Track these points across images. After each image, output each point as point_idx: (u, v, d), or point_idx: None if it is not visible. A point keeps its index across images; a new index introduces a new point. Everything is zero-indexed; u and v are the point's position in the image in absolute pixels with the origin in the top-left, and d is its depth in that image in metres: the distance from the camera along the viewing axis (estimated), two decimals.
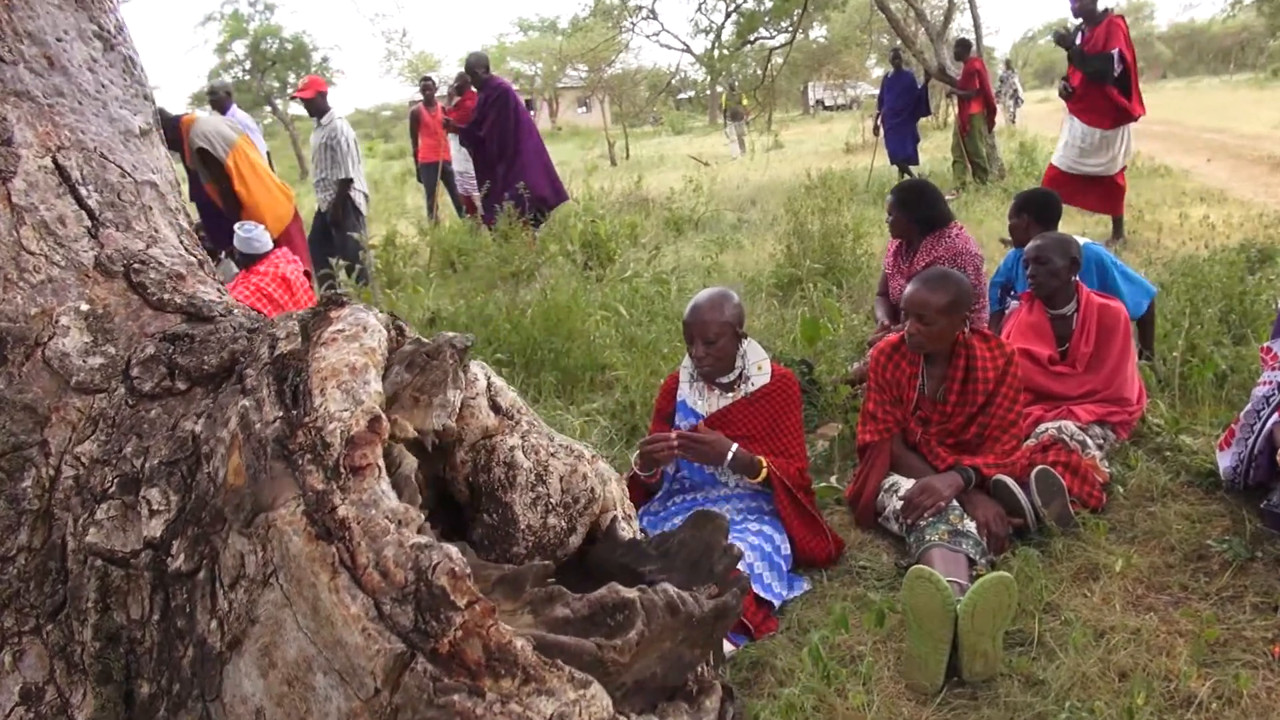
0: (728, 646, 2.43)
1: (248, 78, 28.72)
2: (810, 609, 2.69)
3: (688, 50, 22.26)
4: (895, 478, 3.09)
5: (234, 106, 7.64)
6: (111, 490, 1.21)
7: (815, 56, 27.65)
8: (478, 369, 1.32)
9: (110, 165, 1.48)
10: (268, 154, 7.25)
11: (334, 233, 7.29)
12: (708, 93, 27.31)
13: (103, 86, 1.54)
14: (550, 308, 5.11)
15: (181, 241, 1.52)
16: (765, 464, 2.86)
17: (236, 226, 5.58)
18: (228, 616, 1.06)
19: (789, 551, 2.84)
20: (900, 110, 11.54)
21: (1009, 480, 2.91)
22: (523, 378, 4.71)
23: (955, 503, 2.82)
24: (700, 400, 3.06)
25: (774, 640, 2.52)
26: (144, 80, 1.69)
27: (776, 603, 2.65)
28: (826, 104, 41.03)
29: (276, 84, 29.47)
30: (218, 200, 6.06)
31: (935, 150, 14.32)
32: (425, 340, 1.23)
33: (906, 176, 11.83)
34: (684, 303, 3.05)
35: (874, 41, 27.05)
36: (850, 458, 3.57)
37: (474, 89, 8.34)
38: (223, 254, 6.14)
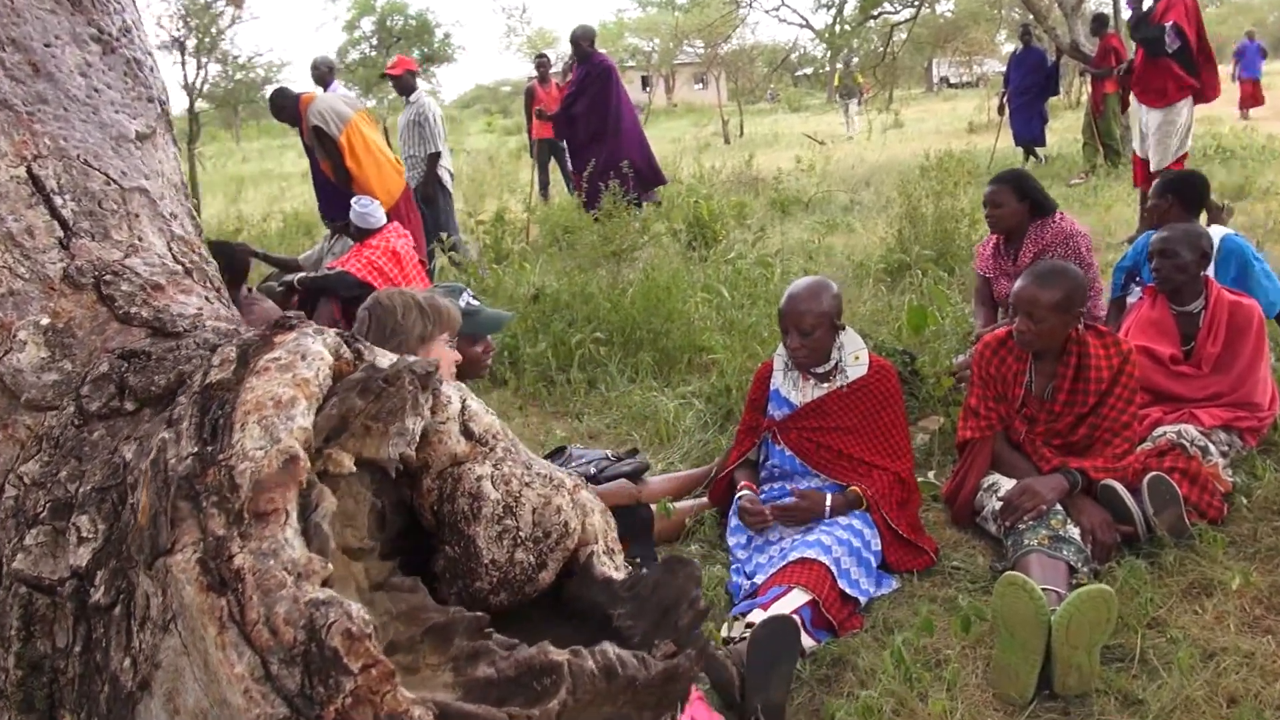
0: (809, 642, 2.39)
1: (374, 54, 29.55)
2: (897, 608, 2.62)
3: (807, 25, 21.84)
4: (996, 477, 2.97)
5: (336, 83, 7.88)
6: (43, 515, 1.16)
7: (941, 32, 26.67)
8: (453, 392, 1.25)
9: (94, 173, 1.45)
10: (385, 130, 7.43)
11: (425, 209, 7.46)
12: (826, 69, 26.75)
13: (95, 91, 1.51)
14: (651, 287, 5.10)
15: (171, 248, 1.47)
16: (862, 493, 2.81)
17: (353, 200, 5.76)
18: (139, 656, 1.02)
19: (880, 547, 2.77)
20: (1027, 89, 11.04)
21: (1118, 486, 2.76)
22: (620, 357, 4.72)
23: (1059, 507, 2.69)
24: (794, 390, 3.00)
25: (857, 638, 2.46)
26: (152, 82, 1.65)
27: (862, 600, 2.59)
28: (951, 81, 39.60)
29: None
30: (331, 176, 6.26)
31: (1065, 131, 13.66)
32: (381, 366, 1.15)
33: (1032, 159, 11.33)
34: (787, 286, 2.99)
35: (1004, 16, 25.92)
36: (950, 453, 3.45)
37: (577, 63, 8.25)
38: (333, 231, 6.36)
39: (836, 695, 2.26)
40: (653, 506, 3.06)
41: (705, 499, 3.19)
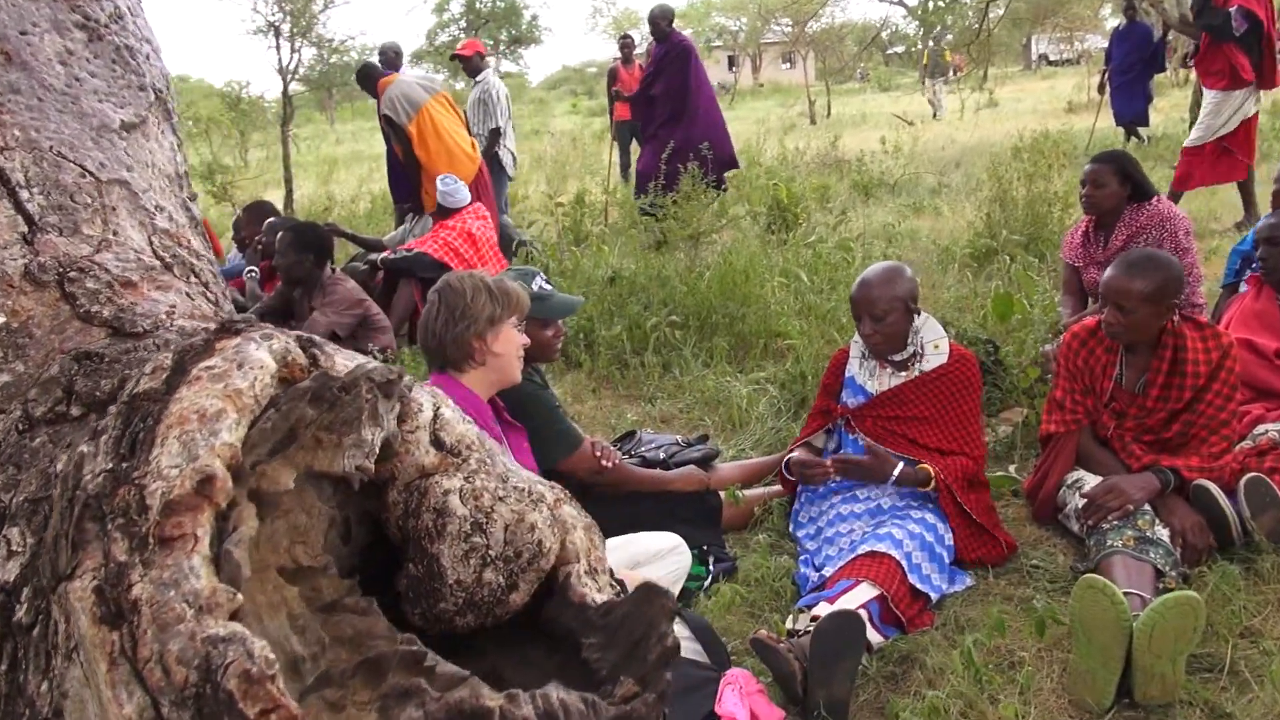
0: (876, 638, 2.34)
1: (463, 35, 29.90)
2: (970, 606, 2.53)
3: (900, 2, 21.26)
4: (1080, 473, 2.85)
5: (405, 68, 7.99)
6: None
7: (1041, 6, 25.65)
8: (426, 398, 1.18)
9: (68, 165, 1.37)
10: (465, 115, 7.50)
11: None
12: (919, 47, 26.02)
13: (76, 80, 1.45)
14: (728, 271, 5.04)
15: (153, 242, 1.39)
16: (935, 474, 2.71)
17: (439, 179, 5.84)
18: (53, 683, 0.96)
19: (952, 542, 2.69)
20: (1131, 66, 10.53)
21: (1212, 486, 2.62)
22: (695, 341, 4.69)
23: (1148, 507, 2.57)
24: (870, 378, 2.92)
25: (926, 636, 2.39)
26: (146, 70, 1.59)
27: (934, 596, 2.51)
28: (1051, 58, 38.17)
29: (489, 42, 30.51)
30: (401, 159, 6.36)
31: (1171, 110, 13.03)
32: (336, 374, 1.07)
33: (1134, 139, 10.83)
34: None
35: None
36: (1033, 446, 3.33)
37: (655, 43, 8.13)
38: (401, 213, 6.47)
39: (902, 694, 2.20)
40: (721, 494, 3.03)
41: (775, 487, 3.14)
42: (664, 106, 7.57)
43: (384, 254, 5.75)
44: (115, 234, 1.36)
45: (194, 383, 1.00)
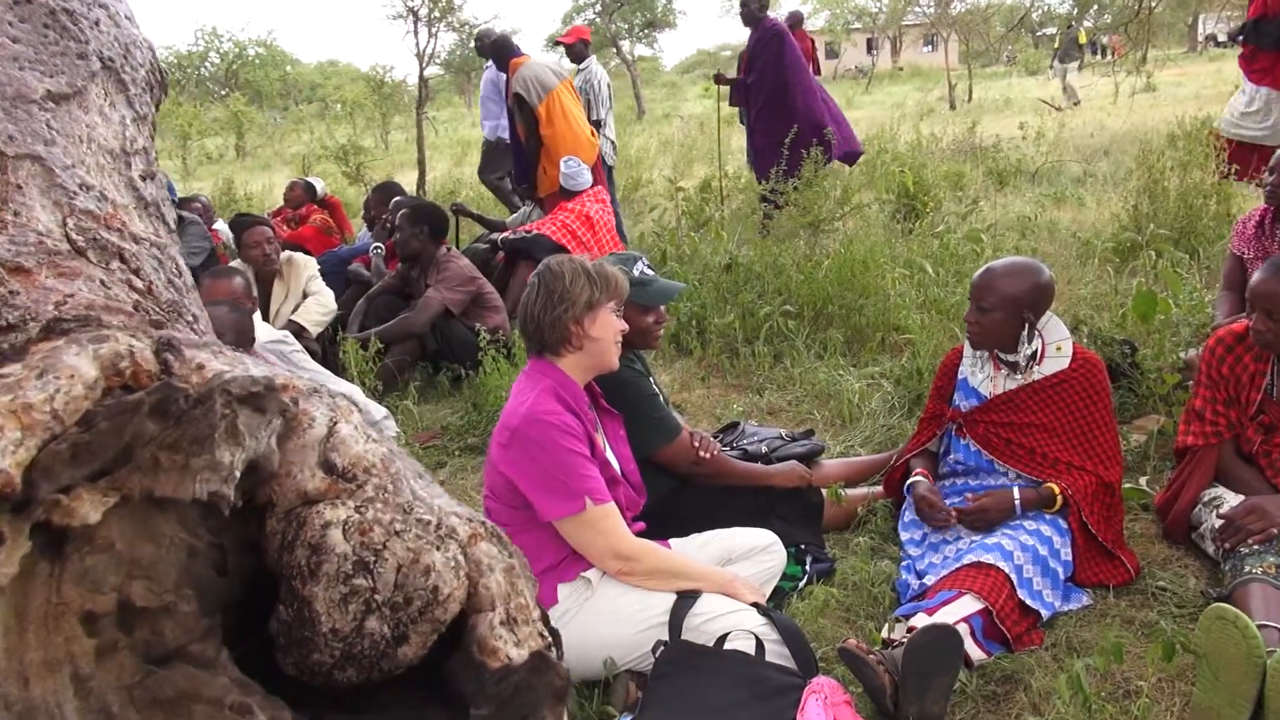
0: (977, 653, 2.21)
1: (597, 19, 30.11)
2: (1085, 627, 2.36)
3: None
4: (1219, 490, 2.62)
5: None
6: None
7: None
8: (322, 412, 1.03)
9: None
10: (587, 102, 7.53)
11: None
12: (1071, 27, 24.67)
13: None
14: (847, 260, 4.88)
15: (67, 224, 1.24)
16: (1060, 490, 2.54)
17: (562, 161, 5.88)
18: None
19: (1070, 557, 2.51)
20: None
21: None
22: (809, 332, 4.57)
23: None
24: (984, 380, 2.76)
25: (1033, 655, 2.24)
26: (90, 37, 1.44)
27: (1045, 613, 2.36)
28: (1219, 39, 35.50)
29: (624, 25, 30.63)
30: (524, 141, 6.41)
31: None
32: (184, 384, 0.92)
33: None
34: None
35: None
36: (1167, 458, 3.09)
37: (746, 26, 7.82)
38: (520, 196, 6.52)
39: (1003, 716, 2.07)
40: (824, 491, 2.93)
41: (880, 488, 3.02)
42: (759, 95, 7.29)
43: (504, 234, 5.83)
44: (16, 214, 1.20)
45: None
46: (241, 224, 4.71)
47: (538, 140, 6.26)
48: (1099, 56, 18.65)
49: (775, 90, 7.09)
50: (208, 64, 33.24)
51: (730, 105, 8.11)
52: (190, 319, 1.27)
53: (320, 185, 7.96)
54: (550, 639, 1.10)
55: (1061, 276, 5.37)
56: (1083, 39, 16.96)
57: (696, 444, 2.82)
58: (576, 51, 7.54)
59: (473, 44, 7.86)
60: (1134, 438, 3.30)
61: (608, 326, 2.31)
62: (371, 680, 1.00)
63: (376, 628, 0.97)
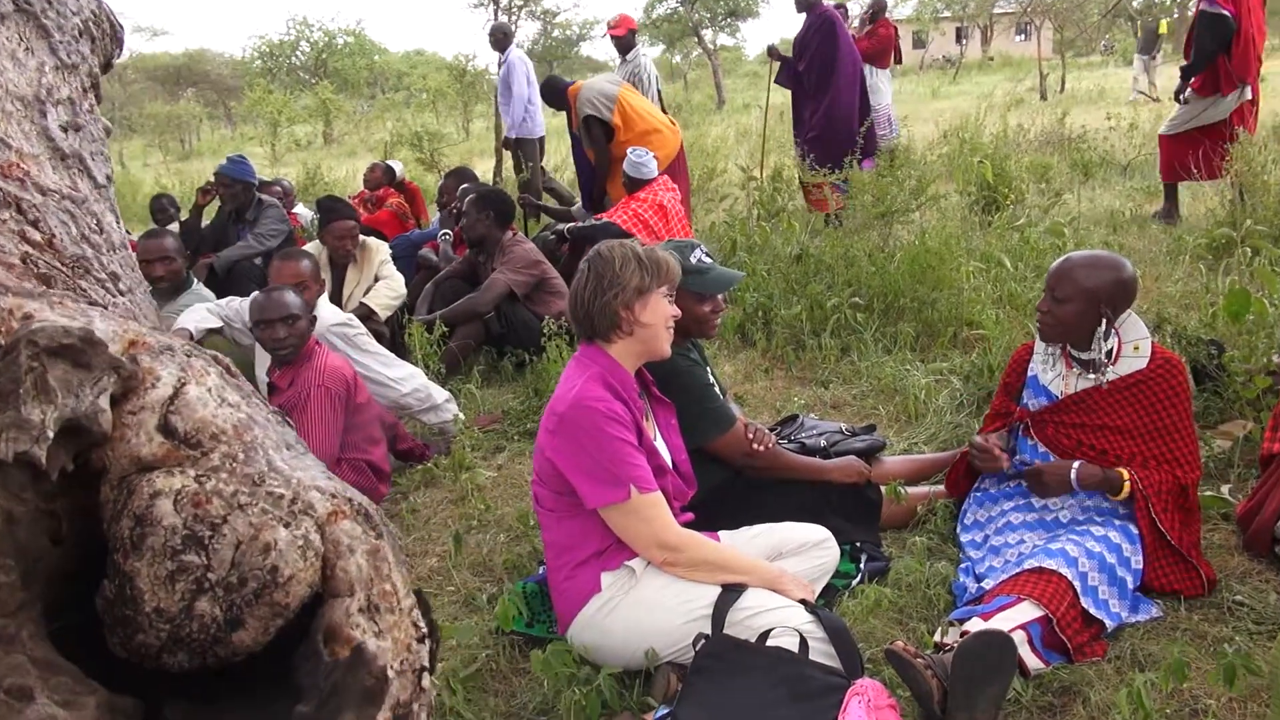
0: (1034, 662, 2.12)
1: (679, 8, 29.98)
2: (1153, 640, 2.25)
3: None
4: None
5: (513, 46, 8.07)
6: None
7: None
8: (169, 372, 0.95)
9: None
10: (658, 91, 7.51)
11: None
12: (1175, 14, 23.63)
13: None
14: (921, 252, 4.75)
15: None
16: (1130, 478, 2.42)
17: (629, 150, 5.86)
18: None
19: (1141, 565, 2.39)
20: None
21: None
22: (878, 325, 4.46)
23: None
24: (1055, 378, 2.64)
25: (1095, 667, 2.14)
26: None
27: (1110, 624, 2.25)
28: None
29: (706, 14, 30.40)
30: (593, 162, 6.39)
31: None
32: None
33: None
34: None
35: None
36: (1253, 466, 2.92)
37: (800, 13, 7.63)
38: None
39: None
40: (883, 489, 2.85)
41: (942, 487, 2.92)
42: (808, 82, 7.14)
43: (571, 224, 5.83)
44: None
45: None
46: (331, 212, 4.79)
47: (607, 160, 6.22)
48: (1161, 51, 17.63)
49: (824, 79, 6.98)
50: (299, 53, 34.13)
51: (777, 83, 7.98)
52: (104, 276, 1.19)
53: (399, 168, 8.08)
54: (426, 630, 1.00)
55: (1149, 273, 5.14)
56: (1163, 30, 15.64)
57: (750, 435, 2.77)
58: (625, 42, 7.53)
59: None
60: (1217, 443, 3.13)
61: (658, 312, 2.27)
62: (209, 668, 0.92)
63: (208, 609, 0.89)
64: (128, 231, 6.90)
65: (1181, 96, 6.24)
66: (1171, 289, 4.72)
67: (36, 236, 1.15)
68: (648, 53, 7.61)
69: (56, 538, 0.92)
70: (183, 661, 0.90)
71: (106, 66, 1.63)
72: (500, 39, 8.15)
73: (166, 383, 0.94)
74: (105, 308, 1.08)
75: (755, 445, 2.76)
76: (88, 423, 0.87)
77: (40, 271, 1.06)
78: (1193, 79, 6.11)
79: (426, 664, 0.99)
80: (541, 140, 8.17)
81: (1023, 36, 38.64)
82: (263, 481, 0.93)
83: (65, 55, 1.39)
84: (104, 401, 0.88)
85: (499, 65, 8.19)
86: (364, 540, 0.97)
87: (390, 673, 0.93)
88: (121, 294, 1.19)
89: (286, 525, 0.91)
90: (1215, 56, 5.99)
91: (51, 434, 0.84)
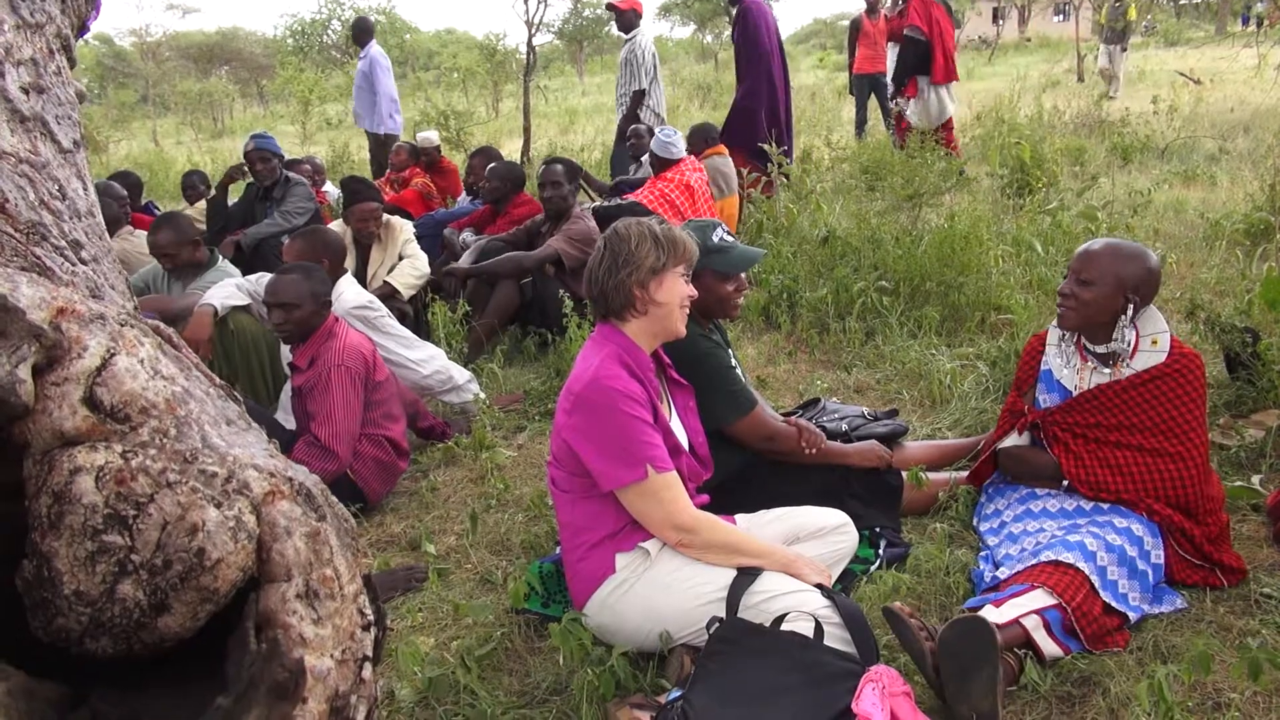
0: (1052, 648, 2.08)
1: None
2: (1177, 632, 2.21)
3: None
4: None
5: (372, 43, 8.09)
6: None
7: None
8: (98, 341, 0.89)
9: None
10: (654, 70, 7.51)
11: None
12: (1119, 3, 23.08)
13: None
14: (948, 236, 4.68)
15: None
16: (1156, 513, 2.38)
17: (658, 130, 5.82)
18: None
19: (1163, 560, 2.35)
20: None
21: None
22: (904, 309, 4.40)
23: None
24: (1069, 373, 2.57)
25: (1116, 658, 2.10)
26: None
27: (1132, 616, 2.21)
28: None
29: None
30: None
31: None
32: None
33: None
34: None
35: None
36: None
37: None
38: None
39: (1078, 719, 1.95)
40: (904, 474, 2.81)
41: (964, 474, 2.88)
42: (736, 69, 7.17)
43: (598, 203, 5.81)
44: None
45: None
46: (355, 194, 4.80)
47: None
48: (1249, 27, 16.86)
49: (739, 66, 7.02)
50: (330, 31, 34.21)
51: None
52: (64, 244, 1.16)
53: (435, 137, 8.11)
54: (372, 618, 0.96)
55: (1184, 259, 5.04)
56: (1131, 15, 13.65)
57: (804, 440, 2.73)
58: (626, 20, 7.52)
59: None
60: (1250, 433, 3.06)
61: (673, 292, 2.24)
62: (135, 654, 0.89)
63: (131, 593, 0.85)
64: (157, 207, 6.98)
65: None
66: (1207, 275, 4.62)
67: None
68: (649, 33, 7.52)
69: None
70: (106, 647, 0.87)
71: (82, 29, 1.59)
72: (360, 33, 8.17)
73: (94, 353, 0.89)
74: (58, 275, 1.03)
75: (808, 450, 2.72)
76: (5, 393, 0.84)
77: None
78: None
79: (370, 654, 0.95)
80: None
81: (1061, 17, 37.93)
82: (195, 459, 0.89)
83: (28, 14, 1.35)
84: (23, 371, 0.84)
85: (359, 59, 8.21)
86: (303, 522, 0.92)
87: (329, 661, 0.89)
88: (84, 262, 1.14)
89: (218, 505, 0.87)
90: None
91: None
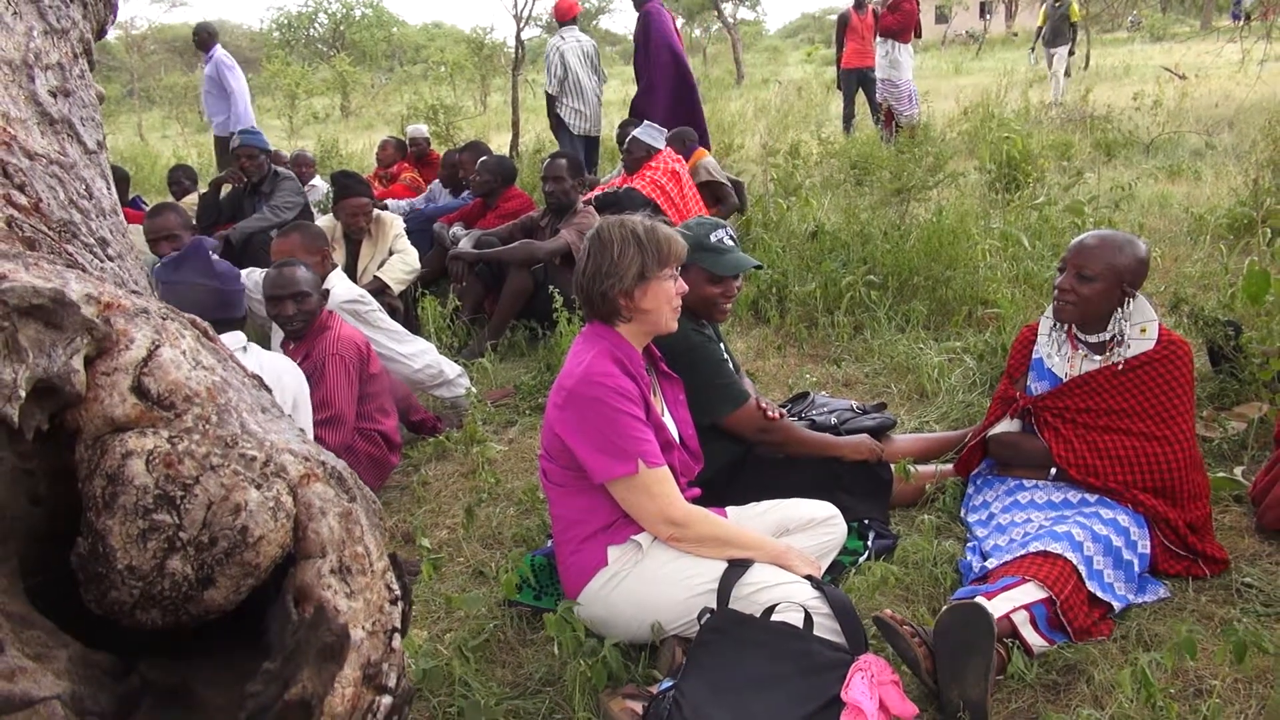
0: (1038, 641, 2.12)
1: None
2: (1159, 620, 2.24)
3: None
4: None
5: (217, 47, 8.13)
6: None
7: None
8: (143, 333, 0.95)
9: None
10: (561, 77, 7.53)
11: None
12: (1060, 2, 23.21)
13: None
14: (935, 230, 4.71)
15: None
16: (1148, 507, 2.42)
17: (644, 123, 5.84)
18: None
19: (1148, 550, 2.38)
20: None
21: None
22: (891, 303, 4.43)
23: None
24: (1060, 360, 2.61)
25: (1099, 647, 2.14)
26: None
27: (1117, 606, 2.24)
28: None
29: None
30: None
31: None
32: None
33: None
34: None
35: None
36: (1268, 447, 2.90)
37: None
38: None
39: (1061, 708, 1.99)
40: (893, 466, 2.85)
41: (950, 466, 2.91)
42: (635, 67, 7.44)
43: (594, 193, 5.82)
44: None
45: None
46: (344, 189, 4.80)
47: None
48: (1240, 23, 16.92)
49: (641, 67, 7.32)
50: (316, 25, 34.06)
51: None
52: (92, 241, 1.20)
53: (425, 129, 8.12)
54: (399, 593, 1.02)
55: (1168, 253, 5.09)
56: (1075, 17, 12.92)
57: (764, 406, 2.76)
58: (559, 21, 7.72)
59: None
60: (1232, 425, 3.11)
61: (659, 297, 2.23)
62: (182, 625, 0.94)
63: (179, 568, 0.90)
64: (144, 201, 6.94)
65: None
66: (1190, 269, 4.67)
67: (23, 200, 1.16)
68: (568, 39, 7.59)
69: (36, 498, 0.94)
70: (155, 619, 0.93)
71: (100, 33, 1.61)
72: (205, 38, 8.20)
73: (140, 344, 0.95)
74: (89, 271, 1.07)
75: (769, 413, 2.75)
76: (60, 383, 0.88)
77: (26, 235, 1.08)
78: None
79: (398, 625, 1.01)
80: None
81: (990, 16, 38.04)
82: (235, 443, 0.94)
83: (54, 20, 1.39)
84: (77, 362, 0.89)
85: (205, 64, 8.22)
86: (336, 503, 0.98)
87: (361, 632, 0.94)
88: (110, 259, 1.19)
89: (258, 487, 0.93)
90: None
91: (24, 393, 0.85)
